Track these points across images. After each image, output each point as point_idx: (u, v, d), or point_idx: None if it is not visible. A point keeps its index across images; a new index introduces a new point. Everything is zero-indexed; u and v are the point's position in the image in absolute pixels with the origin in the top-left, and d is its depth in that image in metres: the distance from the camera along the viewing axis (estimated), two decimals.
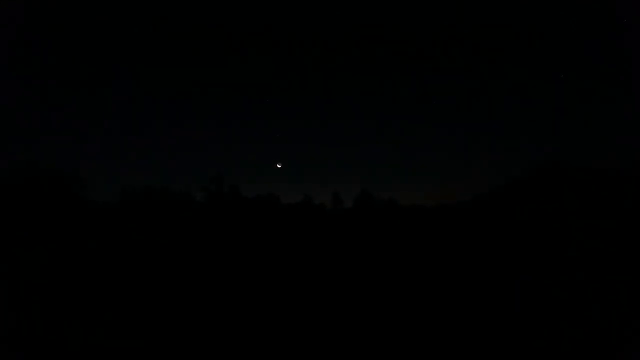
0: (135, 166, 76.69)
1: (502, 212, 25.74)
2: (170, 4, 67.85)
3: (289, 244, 14.51)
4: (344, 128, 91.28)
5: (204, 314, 5.32)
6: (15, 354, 4.09)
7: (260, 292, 6.66)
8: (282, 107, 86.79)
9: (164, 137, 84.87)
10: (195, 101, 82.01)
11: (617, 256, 9.06)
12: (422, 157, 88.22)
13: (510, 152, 79.55)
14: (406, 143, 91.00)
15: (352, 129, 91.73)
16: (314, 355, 3.82)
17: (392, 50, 78.59)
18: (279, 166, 63.55)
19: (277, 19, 71.87)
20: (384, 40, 76.76)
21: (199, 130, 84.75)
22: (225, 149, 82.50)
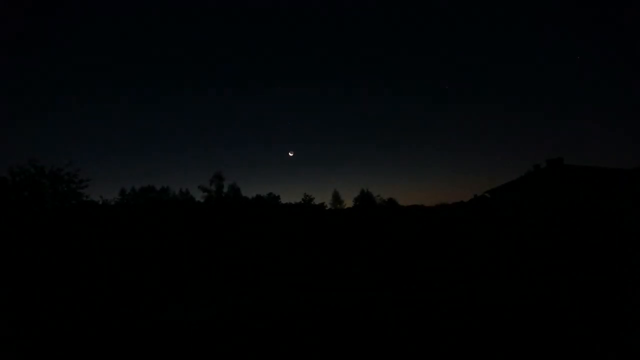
0: (135, 166, 76.63)
1: (501, 211, 25.72)
2: (169, 3, 67.76)
3: (290, 243, 14.51)
4: (344, 128, 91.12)
5: (203, 312, 5.33)
6: (17, 349, 4.11)
7: (260, 290, 6.67)
8: (282, 107, 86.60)
9: (164, 137, 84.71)
10: (195, 101, 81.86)
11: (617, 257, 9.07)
12: (422, 157, 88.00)
13: (510, 151, 79.44)
14: (406, 143, 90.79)
15: (352, 128, 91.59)
16: (315, 352, 3.84)
17: (392, 51, 78.54)
18: (290, 154, 65.60)
19: (277, 18, 71.81)
20: (384, 40, 76.71)
21: (199, 130, 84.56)
22: (225, 149, 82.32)
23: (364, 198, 53.07)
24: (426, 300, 5.67)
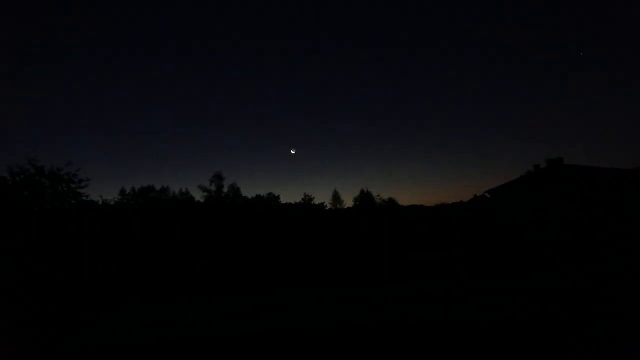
0: (135, 166, 76.63)
1: (501, 211, 25.73)
2: (168, 3, 67.80)
3: (290, 243, 14.51)
4: (344, 127, 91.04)
5: (203, 313, 5.33)
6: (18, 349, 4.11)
7: (260, 290, 6.67)
8: (282, 107, 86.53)
9: (164, 136, 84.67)
10: (195, 100, 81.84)
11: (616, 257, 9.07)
12: (422, 157, 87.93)
13: (510, 151, 79.45)
14: (407, 143, 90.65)
15: (352, 128, 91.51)
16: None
17: (392, 50, 78.50)
18: (293, 152, 66.35)
19: (277, 17, 71.79)
20: (382, 40, 76.71)
21: (198, 130, 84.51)
22: (225, 149, 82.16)
23: (364, 198, 53.07)
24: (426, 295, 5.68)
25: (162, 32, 71.70)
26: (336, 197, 54.66)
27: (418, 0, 72.37)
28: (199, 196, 38.48)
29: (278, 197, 53.46)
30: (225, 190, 37.91)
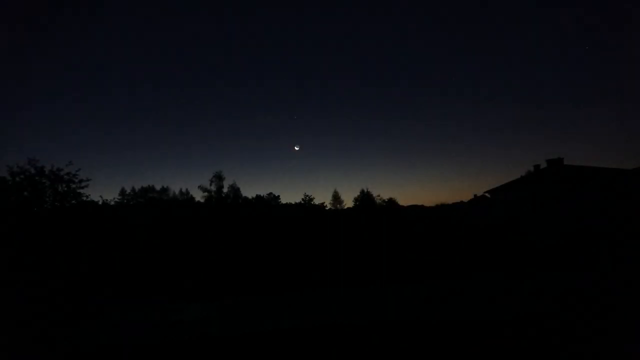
0: (135, 166, 76.62)
1: (500, 211, 25.73)
2: (168, 3, 67.77)
3: (289, 243, 14.50)
4: (344, 128, 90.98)
5: (203, 312, 5.33)
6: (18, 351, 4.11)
7: (260, 290, 6.68)
8: (283, 108, 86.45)
9: (164, 136, 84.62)
10: (195, 100, 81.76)
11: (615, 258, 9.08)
12: (422, 157, 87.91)
13: (510, 151, 79.43)
14: (407, 143, 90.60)
15: (352, 129, 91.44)
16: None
17: (392, 50, 78.46)
18: (297, 148, 66.94)
19: (278, 17, 71.77)
20: (381, 39, 76.70)
21: (198, 130, 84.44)
22: (225, 149, 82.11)
23: (364, 198, 52.98)
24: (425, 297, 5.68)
25: (162, 32, 71.70)
26: (336, 197, 54.57)
27: (418, 2, 72.46)
28: (199, 196, 38.58)
29: (278, 197, 53.49)
30: (225, 190, 37.96)
